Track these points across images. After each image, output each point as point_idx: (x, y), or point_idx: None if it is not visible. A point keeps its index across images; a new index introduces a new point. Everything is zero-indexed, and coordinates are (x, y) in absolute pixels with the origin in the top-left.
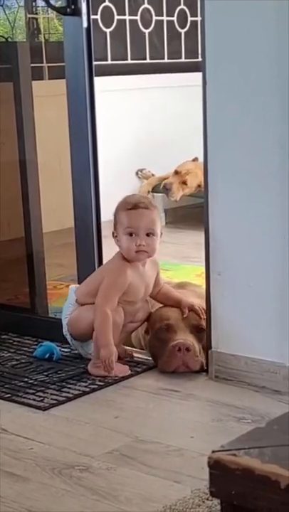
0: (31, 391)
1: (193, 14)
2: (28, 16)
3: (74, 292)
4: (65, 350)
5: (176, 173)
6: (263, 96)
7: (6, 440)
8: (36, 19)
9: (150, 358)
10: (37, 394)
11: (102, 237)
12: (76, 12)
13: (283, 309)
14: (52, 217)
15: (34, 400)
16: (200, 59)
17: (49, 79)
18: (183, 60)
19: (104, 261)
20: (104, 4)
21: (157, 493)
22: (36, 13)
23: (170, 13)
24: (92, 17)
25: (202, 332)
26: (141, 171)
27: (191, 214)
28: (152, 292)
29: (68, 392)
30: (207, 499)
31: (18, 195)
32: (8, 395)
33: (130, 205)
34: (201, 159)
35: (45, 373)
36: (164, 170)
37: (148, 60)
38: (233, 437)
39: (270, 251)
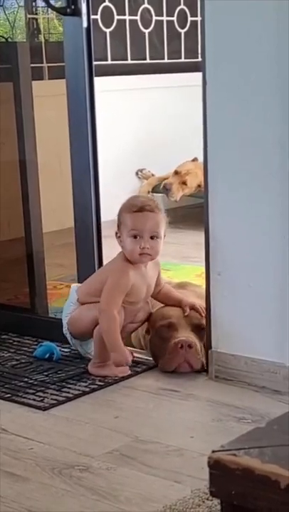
0: (31, 391)
1: (193, 14)
2: (28, 16)
3: (75, 291)
4: (65, 350)
5: (176, 173)
6: (263, 96)
7: (6, 440)
8: (36, 19)
9: (150, 358)
10: (37, 394)
11: (102, 237)
12: (76, 12)
13: (283, 309)
14: (52, 217)
15: (34, 399)
16: (200, 59)
17: (49, 79)
18: (183, 60)
19: (105, 261)
20: (104, 4)
21: (157, 493)
22: (36, 14)
23: (170, 13)
24: (92, 17)
25: (203, 331)
26: (141, 171)
27: (191, 214)
28: (153, 292)
29: (68, 392)
30: (207, 499)
31: (18, 195)
32: (8, 395)
33: (135, 208)
34: (200, 159)
35: (45, 373)
36: (164, 170)
37: (148, 60)
38: (233, 437)
39: (270, 251)
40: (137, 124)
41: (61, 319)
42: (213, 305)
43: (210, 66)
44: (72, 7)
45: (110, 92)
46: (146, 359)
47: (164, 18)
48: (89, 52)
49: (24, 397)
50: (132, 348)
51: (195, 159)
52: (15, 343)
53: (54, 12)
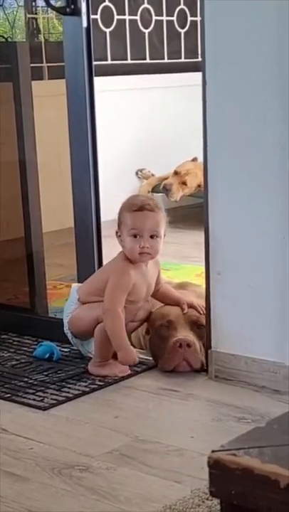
0: (31, 391)
1: (193, 14)
2: (28, 15)
3: (76, 291)
4: (65, 350)
5: (176, 173)
6: (263, 96)
7: (6, 440)
8: (36, 19)
9: (150, 358)
10: (37, 394)
11: (102, 237)
12: (76, 12)
13: (283, 309)
14: (52, 217)
15: (34, 399)
16: (200, 59)
17: (49, 79)
18: (183, 60)
19: (104, 261)
20: (104, 4)
21: (157, 493)
22: (36, 13)
23: (170, 13)
24: (91, 17)
25: (202, 329)
26: (141, 170)
27: (191, 214)
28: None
29: (68, 392)
30: (207, 499)
31: (18, 195)
32: (8, 395)
33: (135, 207)
34: (200, 159)
35: (45, 373)
36: (164, 170)
37: (148, 60)
38: (233, 437)
39: (270, 251)
40: (136, 124)
41: (61, 319)
42: (213, 305)
43: (210, 66)
44: (72, 7)
45: (110, 92)
46: (146, 359)
47: (164, 18)
48: (89, 52)
49: (24, 397)
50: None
51: (195, 159)
52: (15, 342)
53: (54, 12)
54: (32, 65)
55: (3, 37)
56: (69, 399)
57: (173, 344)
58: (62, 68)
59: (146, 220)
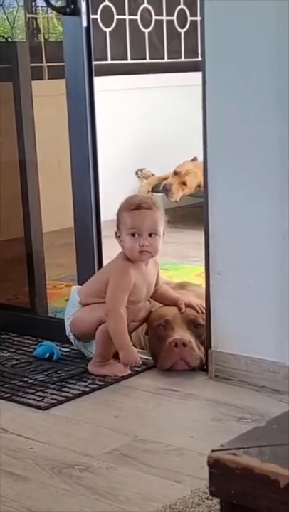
0: (31, 391)
1: (193, 14)
2: (28, 15)
3: (76, 293)
4: (65, 349)
5: (176, 173)
6: (263, 96)
7: (6, 440)
8: (36, 19)
9: (150, 358)
10: (37, 393)
11: (102, 237)
12: (76, 12)
13: (283, 309)
14: (52, 217)
15: (34, 399)
16: (200, 59)
17: (49, 78)
18: (182, 59)
19: (104, 261)
20: (103, 4)
21: (157, 493)
22: (36, 13)
23: (170, 13)
24: (91, 16)
25: (200, 327)
26: (141, 170)
27: (191, 213)
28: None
29: (68, 392)
30: (207, 498)
31: (18, 194)
32: (8, 395)
33: (133, 206)
34: (200, 159)
35: (45, 373)
36: (164, 169)
37: (148, 60)
38: (232, 437)
39: (270, 251)
40: (136, 124)
41: (61, 319)
42: (212, 305)
43: (210, 66)
44: (72, 6)
45: (110, 92)
46: (146, 359)
47: (164, 18)
48: (88, 52)
49: (24, 397)
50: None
51: (194, 159)
52: (15, 342)
53: (54, 11)
54: (32, 64)
55: (3, 37)
56: (69, 399)
57: (169, 344)
58: (62, 68)
59: (144, 218)
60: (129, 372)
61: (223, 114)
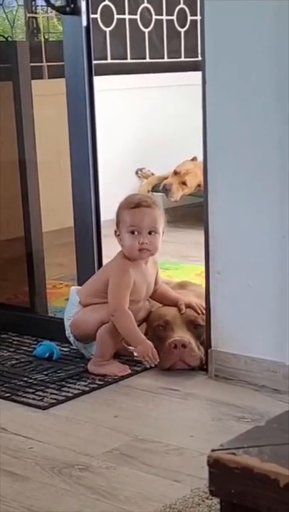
0: (31, 390)
1: (193, 13)
2: (28, 15)
3: (76, 294)
4: (65, 349)
5: (176, 173)
6: (263, 96)
7: (6, 439)
8: (36, 18)
9: None
10: (37, 393)
11: (101, 237)
12: (76, 11)
13: (283, 309)
14: (51, 217)
15: (34, 399)
16: (200, 58)
17: (49, 78)
18: (182, 59)
19: (104, 260)
20: (103, 3)
21: (157, 492)
22: (36, 12)
23: (170, 12)
24: (91, 16)
25: (200, 328)
26: (140, 170)
27: (191, 213)
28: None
29: (68, 392)
30: (207, 498)
31: (18, 194)
32: (8, 394)
33: (133, 204)
34: (200, 158)
35: (45, 372)
36: (164, 169)
37: (148, 59)
38: (232, 436)
39: (270, 250)
40: (136, 123)
41: (61, 318)
42: (212, 304)
43: (210, 65)
44: (72, 6)
45: (110, 91)
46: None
47: (164, 17)
48: (88, 52)
49: (24, 397)
50: (132, 348)
51: (194, 158)
52: (14, 342)
53: (54, 11)
54: (32, 64)
55: (3, 36)
56: (69, 398)
57: (168, 345)
58: (62, 67)
59: (144, 216)
60: (129, 371)
61: (223, 113)
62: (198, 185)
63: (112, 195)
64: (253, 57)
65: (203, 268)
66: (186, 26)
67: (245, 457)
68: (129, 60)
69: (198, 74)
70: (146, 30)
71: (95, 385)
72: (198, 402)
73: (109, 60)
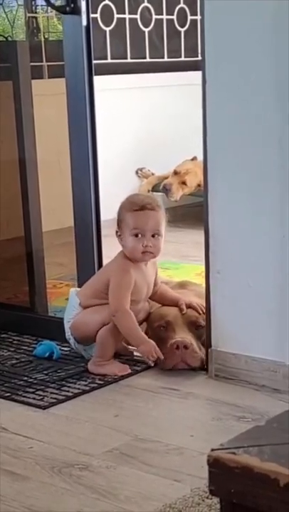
0: (31, 390)
1: (193, 13)
2: (28, 14)
3: (75, 295)
4: (65, 349)
5: (176, 173)
6: (263, 96)
7: (6, 439)
8: (36, 18)
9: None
10: (37, 393)
11: (101, 236)
12: (76, 11)
13: (283, 308)
14: (52, 216)
15: (34, 398)
16: (200, 58)
17: (49, 78)
18: (183, 58)
19: (104, 260)
20: (103, 3)
21: (157, 492)
22: (36, 12)
23: (170, 12)
24: (91, 16)
25: (201, 329)
26: (141, 169)
27: (191, 213)
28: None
29: (68, 391)
30: (207, 498)
31: (18, 194)
32: (8, 394)
33: (137, 206)
34: (200, 158)
35: (45, 372)
36: (164, 169)
37: (148, 59)
38: (232, 436)
39: (269, 250)
40: (136, 123)
41: (61, 318)
42: (213, 304)
43: (210, 65)
44: (72, 5)
45: (110, 91)
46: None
47: (164, 17)
48: (88, 51)
49: (24, 396)
50: (132, 347)
51: (194, 158)
52: (15, 341)
53: (54, 10)
54: (32, 63)
55: (3, 36)
56: (69, 398)
57: (170, 346)
58: (62, 67)
59: (148, 219)
60: (129, 371)
61: (223, 113)
62: (198, 185)
63: (112, 194)
64: (253, 57)
65: (203, 268)
66: (186, 26)
67: (245, 457)
68: (129, 60)
69: (199, 73)
70: (147, 30)
71: (95, 385)
72: (199, 402)
73: (109, 60)
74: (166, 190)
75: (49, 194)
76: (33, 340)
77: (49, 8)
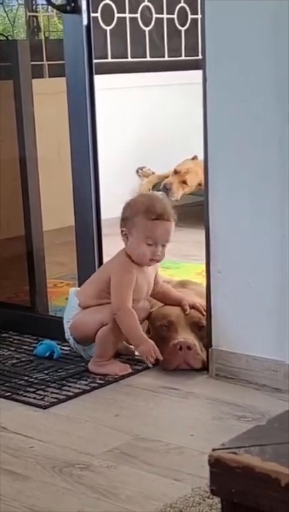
0: (31, 389)
1: (194, 12)
2: (28, 13)
3: (75, 295)
4: (66, 348)
5: (176, 172)
6: (263, 96)
7: (6, 438)
8: (36, 17)
9: None
10: (37, 392)
11: (102, 236)
12: (76, 10)
13: (283, 308)
14: (52, 216)
15: (34, 398)
16: (200, 57)
17: (49, 77)
18: (183, 57)
19: (105, 259)
20: (104, 2)
21: (158, 492)
22: (36, 11)
23: (170, 11)
24: (92, 15)
25: (203, 330)
26: (141, 169)
27: (191, 212)
28: (152, 291)
29: (69, 391)
30: (208, 497)
31: (18, 193)
32: (9, 394)
33: (155, 215)
34: (200, 157)
35: (46, 372)
36: (165, 168)
37: (148, 58)
38: (233, 435)
39: (270, 250)
40: (137, 122)
41: (62, 317)
42: (213, 303)
43: (210, 64)
44: (73, 5)
45: (110, 90)
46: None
47: (165, 16)
48: (89, 50)
49: (24, 396)
50: (133, 346)
51: (195, 157)
52: (15, 341)
53: (54, 10)
54: (32, 62)
55: (4, 35)
56: (69, 397)
57: (173, 346)
58: (62, 66)
59: (163, 230)
60: (129, 371)
61: (224, 112)
62: (199, 184)
63: (112, 194)
64: (253, 57)
65: (203, 267)
66: (187, 25)
67: (246, 456)
68: (129, 59)
69: (199, 72)
70: (147, 29)
71: (96, 384)
72: (199, 401)
73: (109, 59)
74: (167, 190)
75: (49, 193)
76: (34, 339)
77: (50, 7)
